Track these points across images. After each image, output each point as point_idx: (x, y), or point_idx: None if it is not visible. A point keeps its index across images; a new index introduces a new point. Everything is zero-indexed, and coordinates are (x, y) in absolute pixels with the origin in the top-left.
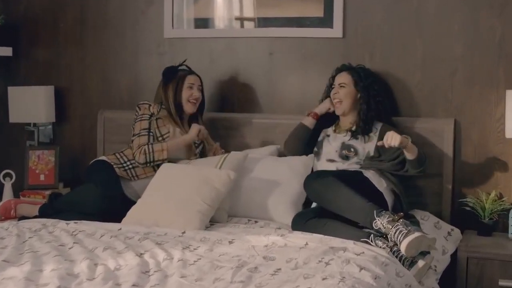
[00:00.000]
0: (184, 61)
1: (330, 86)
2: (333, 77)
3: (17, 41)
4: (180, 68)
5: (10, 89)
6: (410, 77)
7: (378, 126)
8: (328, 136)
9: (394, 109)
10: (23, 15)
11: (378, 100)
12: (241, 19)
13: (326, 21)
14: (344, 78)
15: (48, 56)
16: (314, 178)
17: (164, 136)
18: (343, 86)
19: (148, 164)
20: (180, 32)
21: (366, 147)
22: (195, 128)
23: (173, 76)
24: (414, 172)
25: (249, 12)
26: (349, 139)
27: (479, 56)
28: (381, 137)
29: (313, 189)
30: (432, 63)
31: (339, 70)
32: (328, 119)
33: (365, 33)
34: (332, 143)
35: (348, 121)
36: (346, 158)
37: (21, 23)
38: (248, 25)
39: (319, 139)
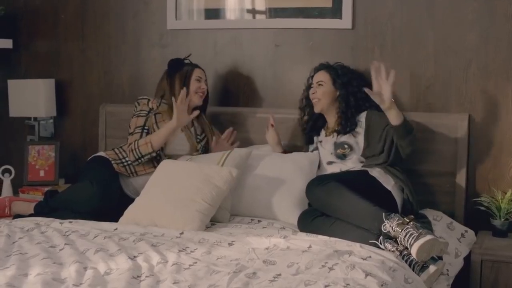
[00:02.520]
0: (189, 55)
1: (309, 87)
2: (311, 77)
3: (17, 33)
4: (185, 61)
5: (10, 82)
6: (422, 70)
7: (363, 117)
8: (321, 142)
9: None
10: (23, 6)
11: (360, 96)
12: (253, 10)
13: (334, 11)
14: (321, 76)
15: (49, 48)
16: (316, 185)
17: None
18: (321, 85)
19: (139, 161)
20: (184, 23)
21: (359, 141)
22: (176, 111)
23: (180, 68)
24: (405, 144)
25: (260, 2)
26: (339, 138)
27: (494, 47)
28: (368, 124)
29: (316, 196)
30: (445, 55)
31: (317, 70)
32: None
33: (375, 24)
34: (325, 146)
35: (333, 120)
36: (343, 156)
37: (21, 15)
38: (259, 16)
39: (313, 146)
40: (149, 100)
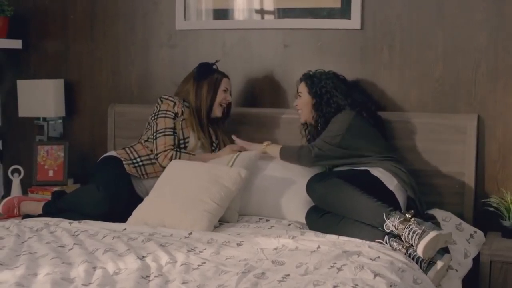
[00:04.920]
0: (217, 61)
1: None
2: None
3: (26, 34)
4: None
5: (20, 83)
6: (431, 70)
7: None
8: None
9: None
10: (32, 6)
11: (335, 100)
12: (261, 11)
13: (343, 12)
14: (300, 87)
15: (58, 48)
16: (317, 181)
17: (186, 140)
18: (300, 96)
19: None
20: (192, 23)
21: None
22: (228, 150)
23: (209, 74)
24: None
25: (268, 2)
26: None
27: (503, 48)
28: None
29: (316, 192)
30: (454, 56)
31: (300, 80)
32: None
33: (384, 25)
34: None
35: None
36: None
37: (30, 15)
38: (268, 16)
39: None
40: (175, 103)
